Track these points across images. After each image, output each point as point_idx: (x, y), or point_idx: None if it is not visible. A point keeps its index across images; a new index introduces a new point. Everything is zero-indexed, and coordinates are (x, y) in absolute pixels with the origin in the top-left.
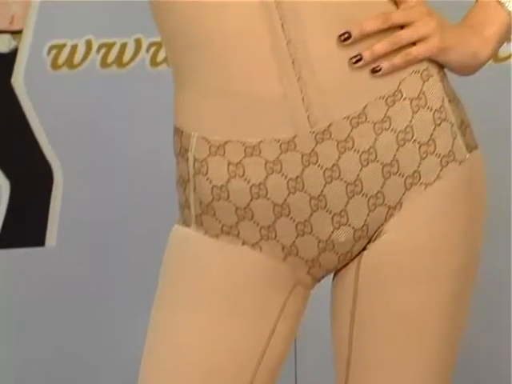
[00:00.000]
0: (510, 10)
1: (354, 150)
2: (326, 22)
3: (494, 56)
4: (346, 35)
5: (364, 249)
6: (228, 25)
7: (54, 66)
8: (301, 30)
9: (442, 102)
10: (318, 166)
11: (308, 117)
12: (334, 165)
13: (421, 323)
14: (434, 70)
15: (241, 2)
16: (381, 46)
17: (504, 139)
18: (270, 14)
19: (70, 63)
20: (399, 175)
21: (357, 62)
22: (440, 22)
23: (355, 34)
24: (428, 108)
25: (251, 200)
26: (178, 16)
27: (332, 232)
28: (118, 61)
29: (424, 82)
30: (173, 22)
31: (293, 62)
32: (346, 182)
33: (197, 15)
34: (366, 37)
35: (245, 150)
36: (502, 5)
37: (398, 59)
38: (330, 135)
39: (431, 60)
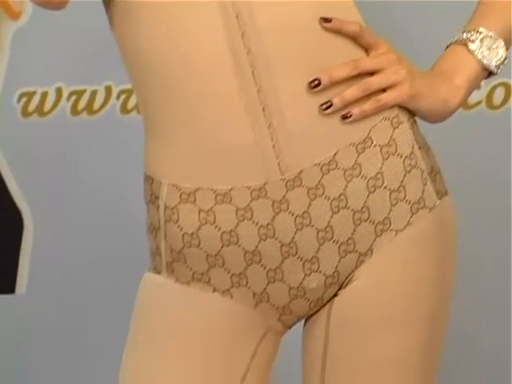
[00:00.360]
0: (479, 57)
1: (325, 197)
2: (296, 69)
3: (464, 103)
4: (316, 82)
5: (335, 295)
6: (198, 72)
7: (25, 113)
8: (271, 77)
9: (412, 149)
10: (289, 212)
11: (279, 164)
12: (304, 212)
13: (392, 368)
14: (404, 116)
15: (211, 50)
16: (351, 92)
17: (472, 188)
18: (240, 62)
19: (40, 110)
20: (370, 222)
21: (327, 108)
22: (410, 69)
23: (325, 80)
24: (398, 155)
25: (222, 247)
26: (147, 61)
27: (303, 279)
28: (89, 108)
29: (394, 128)
30: (142, 68)
31: (263, 110)
32: (316, 228)
33: (166, 61)
34: (335, 83)
35: (215, 197)
36: (471, 52)
37: (368, 106)
38: (301, 182)
39: (401, 107)
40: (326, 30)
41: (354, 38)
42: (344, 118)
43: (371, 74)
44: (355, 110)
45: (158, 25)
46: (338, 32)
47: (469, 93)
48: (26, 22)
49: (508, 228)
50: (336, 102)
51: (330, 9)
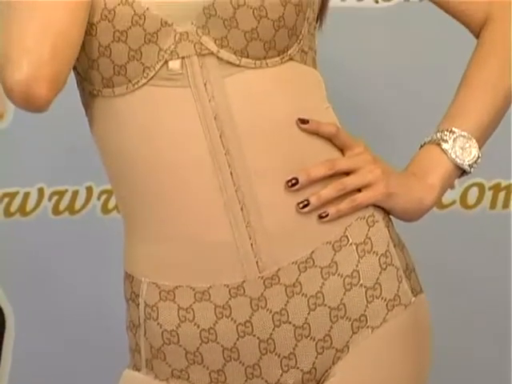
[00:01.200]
0: (452, 157)
1: (302, 295)
2: (274, 169)
3: (438, 202)
4: (294, 181)
5: None
6: (177, 171)
7: (7, 213)
8: (249, 177)
9: (387, 247)
10: (267, 310)
11: (257, 262)
12: (282, 309)
13: None
14: (379, 215)
15: (189, 149)
16: (327, 192)
17: (447, 286)
18: (218, 161)
19: (22, 210)
20: (346, 319)
21: (304, 207)
22: (385, 169)
23: (302, 180)
24: (374, 253)
25: (201, 344)
26: (125, 161)
27: (281, 375)
28: (70, 208)
29: (370, 227)
30: (121, 167)
31: (241, 209)
32: (294, 325)
33: (145, 160)
34: (312, 183)
35: (195, 295)
36: (445, 152)
37: (344, 205)
38: (279, 280)
39: (376, 206)
40: (303, 130)
41: (331, 139)
42: (320, 217)
43: (347, 173)
44: (331, 210)
45: (137, 125)
46: (315, 133)
47: (443, 191)
48: (9, 124)
49: (474, 324)
50: (313, 201)
51: (307, 110)
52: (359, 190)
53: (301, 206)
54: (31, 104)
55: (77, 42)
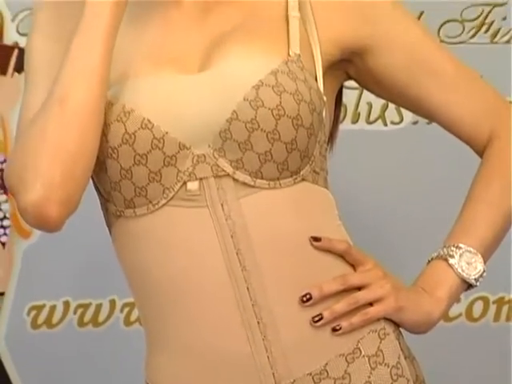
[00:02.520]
0: (459, 271)
1: None
2: (288, 284)
3: (445, 315)
4: (308, 296)
5: None
6: (197, 287)
7: (34, 325)
8: (265, 293)
9: (398, 359)
10: None
11: (273, 374)
12: None
13: None
14: (390, 328)
15: (208, 266)
16: (340, 306)
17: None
18: (236, 278)
19: (49, 323)
20: None
21: (318, 321)
22: (394, 284)
23: (315, 295)
24: (385, 364)
25: None
26: (147, 276)
27: None
28: (94, 320)
29: (381, 340)
30: (143, 282)
31: (258, 323)
32: None
33: (165, 276)
34: (325, 298)
35: None
36: (451, 266)
37: (356, 319)
38: None
39: (387, 319)
40: (316, 248)
41: (343, 255)
42: (334, 330)
43: (359, 288)
44: (344, 323)
45: (157, 243)
46: (327, 250)
47: (450, 305)
48: (36, 240)
49: None
50: (326, 315)
51: (319, 228)
52: (371, 304)
53: (315, 319)
54: (44, 224)
55: (88, 166)
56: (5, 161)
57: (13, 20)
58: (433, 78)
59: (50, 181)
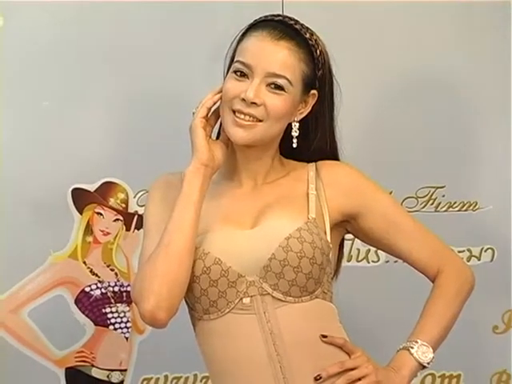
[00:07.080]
0: (417, 358)
1: None
2: (307, 366)
3: None
4: (318, 377)
5: None
6: (246, 367)
7: None
8: (291, 371)
9: None
10: None
11: None
12: None
13: None
14: None
15: (254, 353)
16: (340, 381)
17: None
18: (272, 360)
19: None
20: None
21: None
22: (375, 366)
23: (324, 375)
24: None
25: None
26: (215, 359)
27: None
28: None
29: None
30: (213, 364)
31: None
32: None
33: (228, 358)
34: (330, 377)
35: None
36: (412, 354)
37: None
38: None
39: None
40: (324, 342)
41: (341, 347)
42: None
43: (352, 369)
44: None
45: (223, 338)
46: (331, 343)
47: (410, 380)
48: (147, 335)
49: None
50: None
51: (326, 329)
52: (359, 379)
53: None
54: (155, 324)
55: (183, 287)
56: (128, 285)
57: (134, 196)
58: (400, 232)
59: (159, 297)
